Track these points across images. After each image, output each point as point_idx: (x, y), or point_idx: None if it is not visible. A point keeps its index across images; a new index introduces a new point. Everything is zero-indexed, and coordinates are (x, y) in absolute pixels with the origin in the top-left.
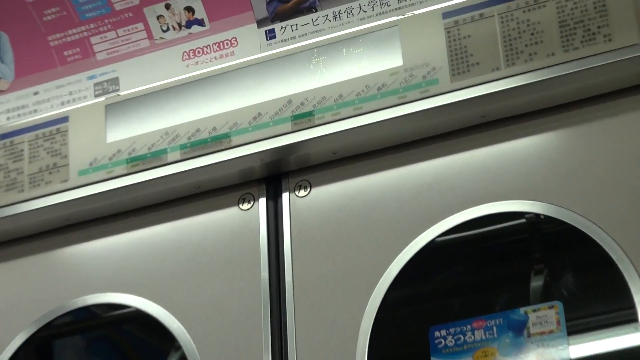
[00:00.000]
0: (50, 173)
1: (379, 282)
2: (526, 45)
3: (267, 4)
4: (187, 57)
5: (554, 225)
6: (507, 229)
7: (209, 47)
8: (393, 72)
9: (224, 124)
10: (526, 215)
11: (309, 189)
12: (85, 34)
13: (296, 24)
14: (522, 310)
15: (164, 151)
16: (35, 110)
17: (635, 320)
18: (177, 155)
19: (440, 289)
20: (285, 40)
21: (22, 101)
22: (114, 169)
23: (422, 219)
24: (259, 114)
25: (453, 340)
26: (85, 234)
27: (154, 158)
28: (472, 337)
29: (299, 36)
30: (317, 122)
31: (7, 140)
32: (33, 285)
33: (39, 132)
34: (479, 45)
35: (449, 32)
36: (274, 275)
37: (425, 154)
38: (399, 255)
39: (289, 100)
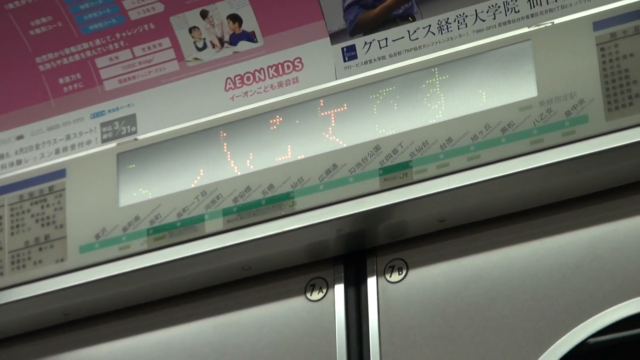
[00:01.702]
0: (40, 249)
1: None
2: None
3: (345, 10)
4: (232, 85)
5: None
6: None
7: (262, 71)
8: (524, 106)
9: (285, 180)
10: None
11: (404, 272)
12: (88, 53)
13: (386, 39)
14: None
15: (200, 218)
16: (19, 161)
17: None
18: (218, 224)
19: None
20: (370, 61)
21: (1, 148)
22: (131, 244)
23: (567, 314)
24: (334, 165)
25: None
26: (91, 335)
27: (187, 228)
28: None
29: (390, 55)
30: (416, 178)
31: None
32: None
33: (24, 191)
34: None
35: (602, 49)
36: None
37: (570, 222)
38: None
39: (376, 147)
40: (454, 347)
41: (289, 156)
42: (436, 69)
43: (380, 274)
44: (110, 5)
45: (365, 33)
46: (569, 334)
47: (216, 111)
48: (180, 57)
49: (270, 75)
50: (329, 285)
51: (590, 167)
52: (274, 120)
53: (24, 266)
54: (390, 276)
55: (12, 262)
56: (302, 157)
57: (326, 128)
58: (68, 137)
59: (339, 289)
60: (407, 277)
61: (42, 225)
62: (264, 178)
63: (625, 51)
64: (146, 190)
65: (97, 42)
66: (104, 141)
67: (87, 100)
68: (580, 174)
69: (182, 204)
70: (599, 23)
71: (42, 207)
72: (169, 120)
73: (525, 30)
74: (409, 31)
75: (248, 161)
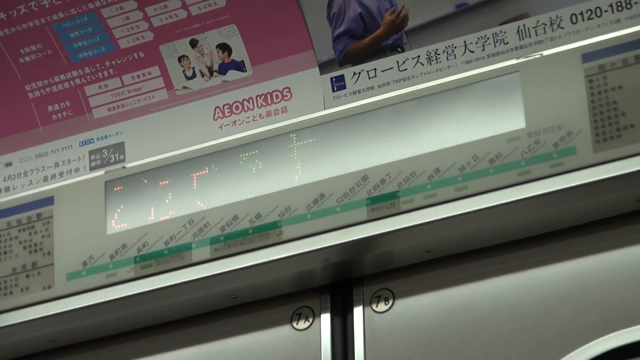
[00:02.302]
0: (27, 276)
1: None
2: None
3: (334, 40)
4: (220, 114)
5: None
6: None
7: (251, 100)
8: (512, 137)
9: (272, 209)
10: None
11: (391, 302)
12: (77, 81)
13: (375, 69)
14: None
15: (187, 246)
16: (7, 188)
17: None
18: (206, 252)
19: None
20: (359, 91)
21: None
22: (118, 272)
23: (553, 345)
24: (322, 195)
25: None
26: None
27: (174, 256)
28: None
29: (379, 86)
30: (403, 208)
31: None
32: None
33: (12, 218)
34: (634, 100)
35: (591, 81)
36: None
37: (557, 254)
38: None
39: (363, 177)
40: None
41: (278, 185)
42: (423, 100)
43: (366, 303)
44: (100, 34)
45: (354, 63)
46: None
47: (204, 140)
48: (169, 85)
49: (259, 105)
50: (315, 315)
51: (578, 199)
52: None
53: (10, 293)
54: (377, 306)
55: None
56: (291, 185)
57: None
58: (57, 165)
59: (325, 318)
60: (393, 307)
61: (30, 252)
62: (252, 207)
63: (614, 83)
64: (134, 218)
65: (87, 70)
66: (92, 169)
67: (76, 128)
68: (567, 206)
69: (169, 232)
70: (588, 55)
71: (30, 234)
72: (158, 148)
73: (514, 61)
74: (397, 62)
75: (235, 191)
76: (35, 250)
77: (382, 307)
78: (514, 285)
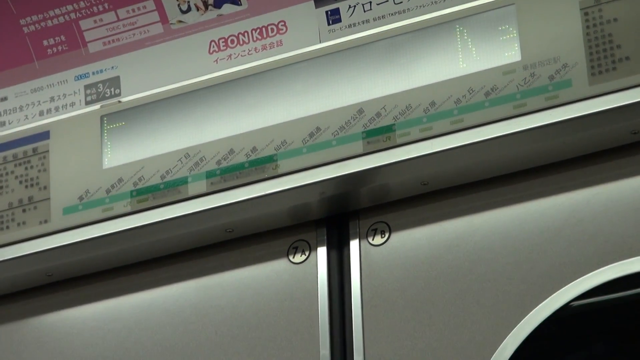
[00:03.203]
0: (24, 211)
1: None
2: None
3: None
4: (215, 48)
5: None
6: None
7: (246, 34)
8: (507, 70)
9: (268, 142)
10: None
11: (387, 235)
12: (72, 15)
13: (370, 2)
14: None
15: (183, 180)
16: (2, 123)
17: None
18: (201, 186)
19: None
20: (354, 24)
21: None
22: (114, 206)
23: (549, 278)
24: (317, 128)
25: None
26: (74, 296)
27: (170, 190)
28: None
29: (374, 19)
30: (399, 141)
31: None
32: None
33: (8, 153)
34: (629, 32)
35: (586, 13)
36: (338, 354)
37: (553, 186)
38: (515, 329)
39: (359, 110)
40: (436, 309)
41: (274, 119)
42: (417, 33)
43: (362, 236)
44: None
45: None
46: (550, 297)
47: (200, 74)
48: (164, 19)
49: (254, 39)
50: (312, 248)
51: (573, 132)
52: (262, 81)
53: (7, 227)
54: (373, 239)
55: None
56: (286, 119)
57: (310, 91)
58: (52, 99)
59: (322, 252)
60: (389, 240)
61: (26, 186)
62: (248, 140)
63: (609, 16)
64: (130, 152)
65: (82, 4)
66: (87, 103)
67: (71, 62)
68: (563, 138)
69: (165, 167)
70: None
71: (26, 168)
72: (153, 82)
73: None
74: None
75: (230, 124)
76: (32, 185)
77: (378, 240)
78: (510, 218)
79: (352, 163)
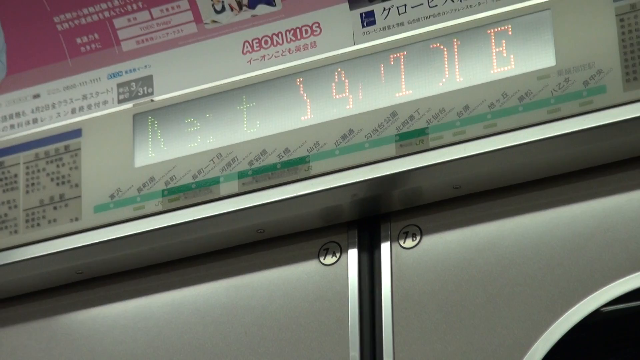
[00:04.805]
0: (55, 208)
1: None
2: None
3: None
4: (249, 49)
5: None
6: None
7: (280, 35)
8: (542, 75)
9: (301, 144)
10: None
11: (418, 238)
12: (106, 14)
13: (405, 5)
14: None
15: (215, 180)
16: (34, 120)
17: None
18: (233, 186)
19: None
20: (388, 27)
21: (17, 107)
22: (145, 205)
23: (580, 283)
24: (350, 131)
25: None
26: (103, 294)
27: (202, 190)
28: None
29: (409, 22)
30: (432, 145)
31: None
32: None
33: (40, 150)
34: None
35: (622, 19)
36: (368, 356)
37: (585, 192)
38: (546, 333)
39: (392, 113)
40: (466, 313)
41: (307, 120)
42: (452, 37)
43: (394, 239)
44: None
45: None
46: (581, 302)
47: (233, 74)
48: (198, 19)
49: (288, 40)
50: (343, 250)
51: (607, 138)
52: (295, 83)
53: (38, 224)
54: (404, 242)
55: (27, 220)
56: (319, 121)
57: (344, 93)
58: (84, 97)
59: (353, 254)
60: (420, 243)
61: (57, 184)
62: (280, 142)
63: None
64: (162, 151)
65: (116, 2)
66: (120, 102)
67: (104, 60)
68: (596, 144)
69: (197, 166)
70: None
71: (58, 166)
72: (186, 82)
73: None
74: None
75: (263, 125)
76: (63, 182)
77: (409, 243)
78: (541, 223)
79: (384, 166)
